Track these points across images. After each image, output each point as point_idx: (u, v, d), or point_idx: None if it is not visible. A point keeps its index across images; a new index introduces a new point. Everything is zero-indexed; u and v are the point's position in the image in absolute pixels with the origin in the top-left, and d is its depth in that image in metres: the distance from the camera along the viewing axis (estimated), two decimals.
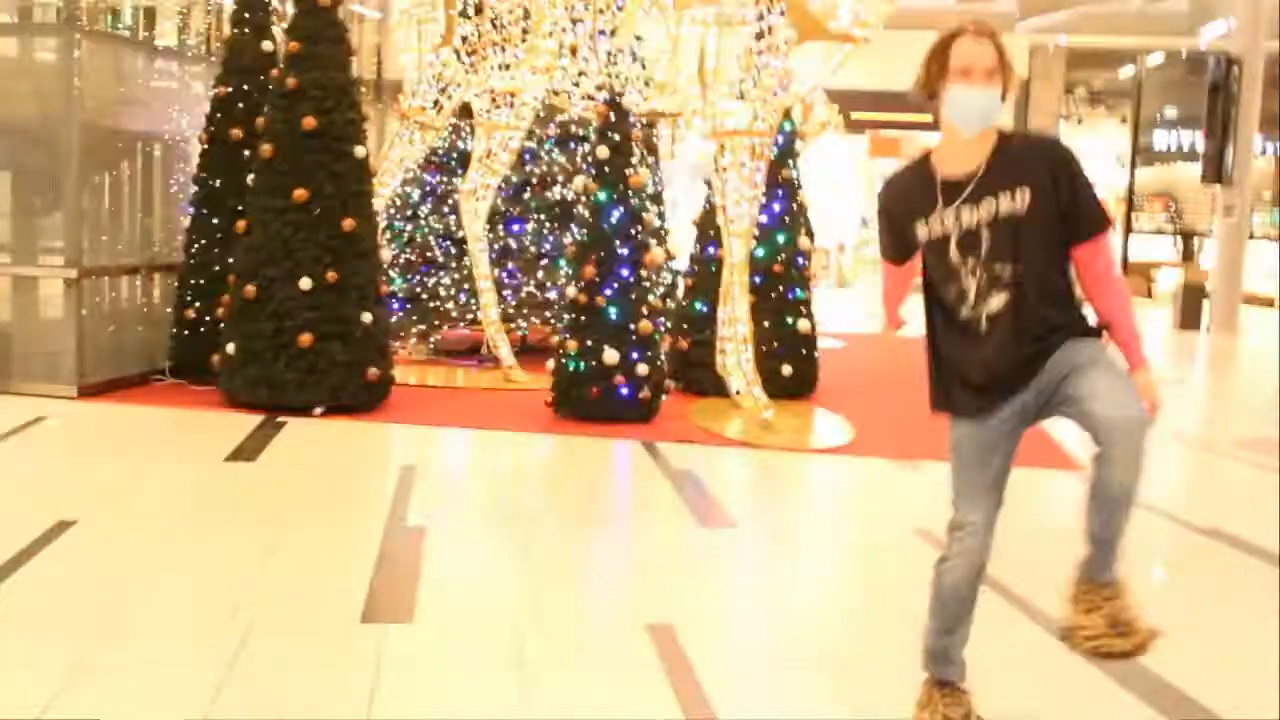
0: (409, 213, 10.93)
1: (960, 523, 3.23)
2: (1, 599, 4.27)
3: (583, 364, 7.94)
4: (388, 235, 10.99)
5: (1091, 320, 3.19)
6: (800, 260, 9.42)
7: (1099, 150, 24.88)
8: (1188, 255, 24.30)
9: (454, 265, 10.57)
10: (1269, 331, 17.48)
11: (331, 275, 7.81)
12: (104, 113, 8.60)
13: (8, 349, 8.56)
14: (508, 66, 9.00)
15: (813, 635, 4.29)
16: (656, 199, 11.57)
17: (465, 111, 9.87)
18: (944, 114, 3.13)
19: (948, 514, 3.25)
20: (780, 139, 9.28)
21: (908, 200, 3.23)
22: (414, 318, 10.71)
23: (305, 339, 7.74)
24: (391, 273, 10.79)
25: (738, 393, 8.16)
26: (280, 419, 7.67)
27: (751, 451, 7.55)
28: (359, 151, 8.07)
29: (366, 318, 7.99)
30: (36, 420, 7.55)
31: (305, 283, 7.75)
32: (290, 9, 8.38)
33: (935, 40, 3.15)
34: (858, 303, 18.97)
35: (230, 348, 7.92)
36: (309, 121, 7.83)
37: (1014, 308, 3.11)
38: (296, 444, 7.16)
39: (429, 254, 10.77)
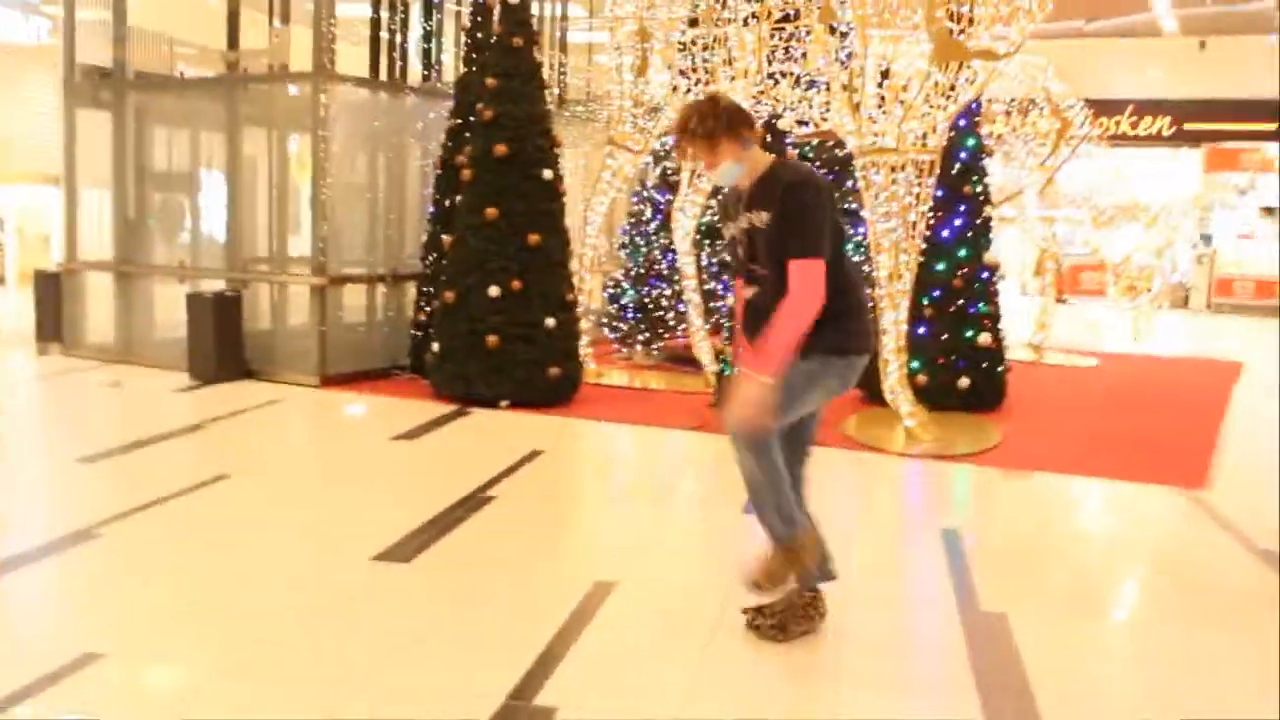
0: (642, 229, 11.83)
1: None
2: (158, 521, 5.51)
3: (733, 368, 8.50)
4: (626, 250, 11.99)
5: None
6: (984, 274, 9.48)
7: None
8: None
9: (677, 278, 11.36)
10: None
11: (516, 284, 8.84)
12: (348, 144, 10.08)
13: (271, 343, 10.21)
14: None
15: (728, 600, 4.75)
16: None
17: None
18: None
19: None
20: (964, 155, 9.48)
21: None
22: (642, 326, 11.62)
23: (492, 340, 8.80)
24: (624, 284, 11.79)
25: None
26: (469, 410, 8.77)
27: (867, 455, 7.79)
28: (547, 174, 9.06)
29: (550, 322, 8.95)
30: (271, 402, 9.05)
31: (494, 290, 8.82)
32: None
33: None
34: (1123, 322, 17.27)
35: (435, 346, 9.13)
36: (500, 149, 8.90)
37: (765, 298, 3.81)
38: (462, 430, 8.20)
39: (656, 267, 11.62)
